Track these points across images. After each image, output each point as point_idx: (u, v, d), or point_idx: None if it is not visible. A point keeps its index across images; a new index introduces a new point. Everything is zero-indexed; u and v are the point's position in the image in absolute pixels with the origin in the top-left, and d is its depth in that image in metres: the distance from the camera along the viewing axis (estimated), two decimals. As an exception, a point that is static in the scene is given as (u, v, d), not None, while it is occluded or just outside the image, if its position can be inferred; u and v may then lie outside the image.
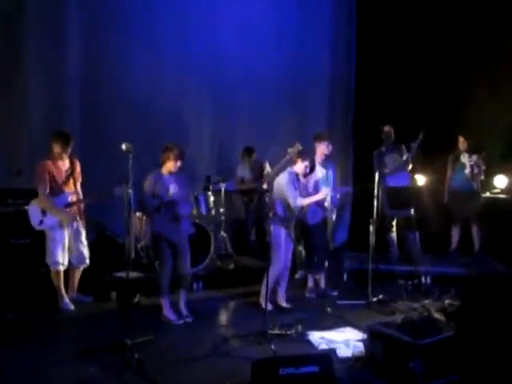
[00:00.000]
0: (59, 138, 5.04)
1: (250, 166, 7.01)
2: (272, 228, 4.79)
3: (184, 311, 4.89)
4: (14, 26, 6.20)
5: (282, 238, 5.00)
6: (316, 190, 5.34)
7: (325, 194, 5.09)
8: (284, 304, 5.22)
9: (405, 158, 6.57)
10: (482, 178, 6.94)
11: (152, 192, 4.68)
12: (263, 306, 4.65)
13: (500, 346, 1.50)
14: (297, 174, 5.05)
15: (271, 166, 6.59)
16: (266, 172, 6.80)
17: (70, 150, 5.10)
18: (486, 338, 1.53)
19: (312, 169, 5.13)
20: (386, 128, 6.84)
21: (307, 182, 5.29)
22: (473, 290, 1.64)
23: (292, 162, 5.09)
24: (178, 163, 4.74)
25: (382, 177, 6.53)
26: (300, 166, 5.02)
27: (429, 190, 6.67)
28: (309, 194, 5.20)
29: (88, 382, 3.62)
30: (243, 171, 7.05)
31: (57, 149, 5.05)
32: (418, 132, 6.42)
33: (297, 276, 6.41)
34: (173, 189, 4.69)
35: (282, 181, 5.01)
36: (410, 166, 6.69)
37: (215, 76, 7.39)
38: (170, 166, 4.72)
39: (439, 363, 3.50)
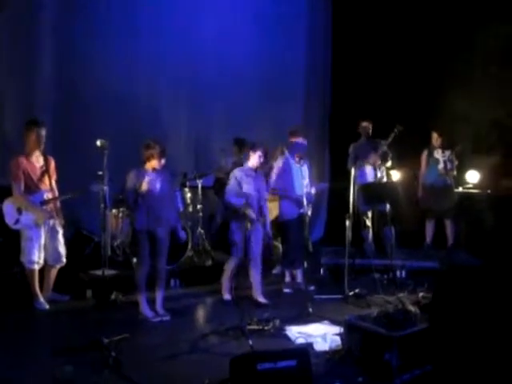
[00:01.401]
0: (32, 125, 4.93)
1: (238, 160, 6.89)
2: (230, 224, 5.10)
3: (161, 309, 4.86)
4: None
5: (236, 233, 5.12)
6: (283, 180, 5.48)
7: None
8: (260, 299, 5.24)
9: (381, 151, 6.66)
10: (455, 173, 7.08)
11: (134, 187, 4.64)
12: (224, 297, 5.24)
13: (471, 336, 1.54)
14: (251, 169, 5.15)
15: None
16: None
17: (43, 139, 4.98)
18: (458, 329, 1.57)
19: (266, 156, 5.21)
20: (364, 123, 6.93)
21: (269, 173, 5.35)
22: (443, 282, 1.68)
23: (246, 159, 5.20)
24: (162, 161, 4.72)
25: (359, 171, 6.62)
26: (254, 159, 5.12)
27: (403, 185, 6.77)
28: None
29: (64, 381, 3.57)
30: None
31: (32, 137, 4.91)
32: (392, 128, 6.52)
33: (275, 271, 6.44)
34: (152, 184, 4.64)
35: (230, 176, 5.18)
36: (389, 163, 6.79)
37: (191, 70, 7.35)
38: (154, 163, 4.70)
39: (414, 354, 3.56)
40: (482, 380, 1.61)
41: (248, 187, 5.11)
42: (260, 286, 5.27)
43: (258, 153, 5.11)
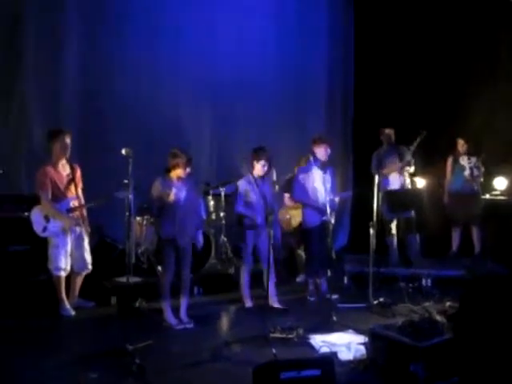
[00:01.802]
0: (57, 134, 5.02)
1: None
2: (242, 233, 5.24)
3: (185, 316, 4.88)
4: (15, 28, 6.22)
5: (247, 239, 5.24)
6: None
7: None
8: (276, 305, 5.25)
9: (406, 159, 6.57)
10: (482, 180, 6.96)
11: (160, 196, 4.68)
12: (246, 306, 5.34)
13: (498, 347, 1.50)
14: (257, 178, 5.23)
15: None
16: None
17: (69, 147, 5.06)
18: (485, 340, 1.53)
19: (269, 165, 5.25)
20: (387, 130, 6.85)
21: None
22: (471, 291, 1.63)
23: (252, 168, 5.24)
24: (187, 169, 4.78)
25: (383, 179, 6.56)
26: (258, 168, 5.17)
27: (428, 192, 6.68)
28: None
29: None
30: None
31: (57, 145, 5.01)
32: (416, 134, 6.44)
33: (298, 279, 6.41)
34: (177, 193, 4.68)
35: (237, 186, 5.29)
36: (412, 169, 6.69)
37: (214, 79, 7.39)
38: (180, 172, 4.75)
39: (441, 365, 3.49)
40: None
41: (253, 196, 5.20)
42: (275, 292, 5.29)
43: (261, 162, 5.18)
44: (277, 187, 5.90)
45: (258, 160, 5.20)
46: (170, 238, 4.75)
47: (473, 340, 1.61)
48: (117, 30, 6.80)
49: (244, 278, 5.41)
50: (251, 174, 5.29)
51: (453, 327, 2.73)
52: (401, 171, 6.60)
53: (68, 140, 5.05)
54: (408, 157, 6.58)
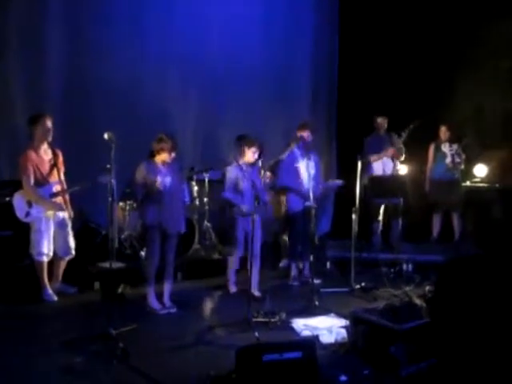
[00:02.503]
0: (38, 118, 4.96)
1: None
2: (231, 219, 5.18)
3: (168, 301, 4.90)
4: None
5: (237, 227, 5.19)
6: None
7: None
8: (256, 293, 5.21)
9: (397, 147, 6.66)
10: (463, 167, 7.06)
11: (144, 180, 4.68)
12: (230, 291, 5.34)
13: (473, 328, 1.54)
14: (246, 165, 5.18)
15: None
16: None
17: (51, 131, 5.00)
18: (460, 321, 1.57)
19: (261, 152, 5.26)
20: (379, 119, 6.90)
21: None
22: (445, 274, 1.67)
23: (242, 154, 5.20)
24: (172, 154, 4.76)
25: (367, 165, 6.64)
26: (249, 155, 5.14)
27: (411, 179, 6.76)
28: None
29: (74, 372, 3.62)
30: None
31: (39, 129, 4.95)
32: (409, 123, 6.51)
33: (281, 264, 6.47)
34: (162, 178, 4.68)
35: (226, 173, 5.22)
36: (403, 157, 6.78)
37: (200, 65, 7.33)
38: (165, 156, 4.74)
39: (420, 347, 3.57)
40: (485, 372, 1.61)
41: (243, 183, 5.14)
42: (257, 280, 5.28)
43: (253, 149, 5.15)
44: (262, 172, 5.94)
45: (250, 147, 5.16)
46: (154, 224, 4.74)
47: (448, 322, 1.64)
48: (103, 14, 6.68)
49: (233, 265, 5.41)
50: (240, 161, 5.21)
51: (429, 310, 2.79)
52: (394, 158, 6.70)
53: (49, 123, 4.99)
54: (399, 144, 6.66)
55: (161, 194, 4.68)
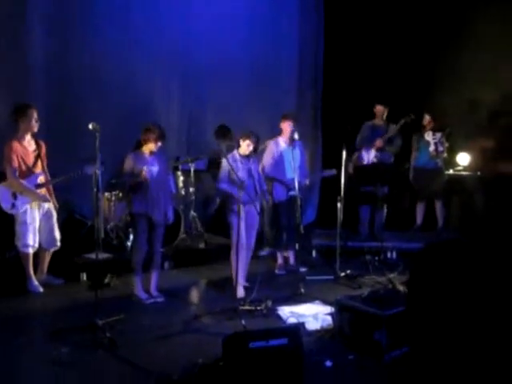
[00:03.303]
0: (24, 108, 4.91)
1: (226, 147, 6.89)
2: (226, 211, 5.09)
3: (155, 290, 4.93)
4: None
5: (232, 220, 5.04)
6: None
7: None
8: (244, 283, 5.18)
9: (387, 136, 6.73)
10: (446, 155, 7.14)
11: (131, 171, 4.68)
12: (238, 295, 4.84)
13: (448, 315, 1.57)
14: (240, 155, 5.13)
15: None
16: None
17: (37, 122, 4.96)
18: (434, 308, 1.60)
19: (257, 145, 5.24)
20: (379, 107, 6.92)
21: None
22: (420, 258, 1.70)
23: (237, 146, 5.18)
24: (159, 143, 4.77)
25: (358, 153, 6.70)
26: (243, 147, 5.12)
27: (395, 167, 6.84)
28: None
29: (60, 362, 3.63)
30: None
31: (25, 120, 4.90)
32: (403, 115, 6.56)
33: (262, 253, 6.51)
34: (149, 168, 4.68)
35: (222, 164, 5.14)
36: (394, 148, 6.85)
37: (184, 55, 7.28)
38: (151, 146, 4.75)
39: (401, 334, 3.65)
40: (460, 361, 1.65)
41: (239, 173, 4.99)
42: (246, 271, 5.23)
43: (247, 142, 5.10)
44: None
45: (244, 139, 5.10)
46: (142, 213, 4.75)
47: (422, 308, 1.67)
48: (90, 3, 6.59)
49: (235, 262, 4.92)
50: (235, 152, 5.18)
51: (406, 296, 2.84)
52: (380, 148, 6.76)
53: (35, 115, 4.95)
54: (390, 134, 6.73)
55: (147, 184, 4.69)
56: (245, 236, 4.99)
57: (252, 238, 5.24)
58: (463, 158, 7.25)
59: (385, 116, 6.95)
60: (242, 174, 5.01)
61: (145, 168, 4.64)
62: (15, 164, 4.88)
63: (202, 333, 4.17)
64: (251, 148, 5.15)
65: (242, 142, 5.14)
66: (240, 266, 4.90)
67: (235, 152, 5.17)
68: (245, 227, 4.98)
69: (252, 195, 5.05)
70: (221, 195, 5.36)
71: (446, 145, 7.09)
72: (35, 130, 4.99)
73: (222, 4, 7.56)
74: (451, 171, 7.24)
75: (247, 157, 5.17)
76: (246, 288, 5.10)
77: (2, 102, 6.09)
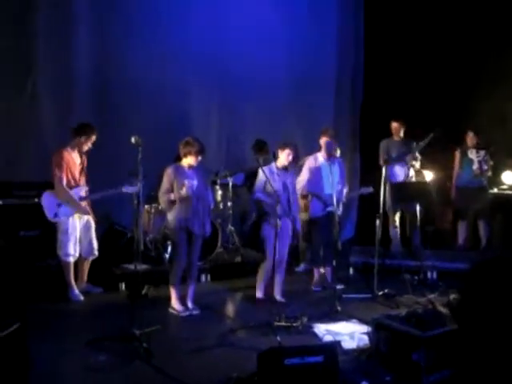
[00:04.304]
0: (91, 132, 5.13)
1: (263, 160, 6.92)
2: (261, 223, 5.07)
3: (191, 303, 4.96)
4: (26, 17, 6.23)
5: (267, 232, 5.05)
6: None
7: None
8: (278, 297, 5.20)
9: (412, 155, 6.61)
10: (490, 173, 6.95)
11: (171, 184, 4.74)
12: (257, 296, 5.15)
13: (499, 338, 1.50)
14: (277, 168, 5.14)
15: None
16: None
17: (89, 147, 5.17)
18: (486, 330, 1.54)
19: (296, 155, 5.26)
20: (394, 124, 6.86)
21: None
22: (472, 277, 1.65)
23: (276, 157, 5.19)
24: (199, 158, 4.82)
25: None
26: (283, 157, 5.11)
27: (436, 185, 6.69)
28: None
29: (98, 371, 3.69)
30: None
31: (82, 140, 5.10)
32: (430, 129, 6.44)
33: (298, 269, 6.47)
34: (190, 182, 4.73)
35: (258, 174, 5.15)
36: (418, 164, 6.72)
37: (222, 69, 7.37)
38: (191, 160, 4.80)
39: (443, 355, 3.54)
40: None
41: (275, 185, 4.98)
42: (281, 285, 5.25)
43: (287, 151, 5.10)
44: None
45: (283, 149, 5.12)
46: (182, 227, 4.79)
47: (474, 330, 1.61)
48: (126, 17, 6.79)
49: (264, 272, 5.14)
50: (273, 163, 5.21)
51: (455, 317, 2.74)
52: (407, 165, 6.64)
53: (94, 139, 5.16)
54: (415, 153, 6.60)
55: (188, 197, 4.74)
56: (279, 251, 4.94)
57: (284, 253, 5.21)
58: (508, 177, 7.03)
59: (401, 132, 6.82)
60: (277, 185, 5.00)
61: (186, 182, 4.70)
62: (63, 171, 5.02)
63: (237, 347, 4.15)
64: (291, 157, 5.15)
65: (280, 153, 5.14)
66: (276, 281, 4.97)
67: (272, 164, 5.18)
68: (279, 241, 4.90)
69: (286, 208, 5.04)
70: (256, 210, 5.34)
71: (491, 163, 6.90)
72: (84, 150, 5.17)
73: (261, 19, 7.64)
74: (495, 190, 7.03)
75: (285, 169, 5.17)
76: (282, 303, 5.07)
77: (49, 114, 6.33)
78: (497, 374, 1.53)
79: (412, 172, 6.73)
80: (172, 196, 4.74)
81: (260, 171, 5.12)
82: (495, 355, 1.52)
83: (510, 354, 1.50)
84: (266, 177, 4.93)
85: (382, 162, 6.61)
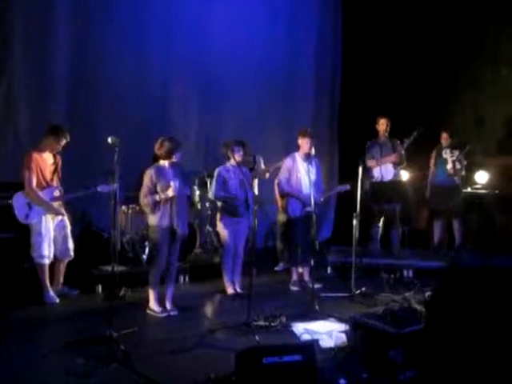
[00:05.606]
0: (61, 135, 5.04)
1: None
2: (219, 218, 5.50)
3: (170, 304, 4.93)
4: (2, 16, 6.10)
5: (224, 226, 5.46)
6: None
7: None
8: (238, 289, 5.50)
9: (399, 153, 6.68)
10: (464, 173, 7.07)
11: (154, 185, 4.71)
12: (228, 293, 5.46)
13: (470, 342, 1.53)
14: (234, 166, 5.36)
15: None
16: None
17: (60, 149, 5.11)
18: (456, 333, 1.56)
19: (244, 152, 5.47)
20: (382, 120, 6.89)
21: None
22: (445, 281, 1.67)
23: (229, 157, 5.40)
24: (177, 154, 4.82)
25: (367, 170, 6.65)
26: (236, 157, 5.28)
27: (412, 185, 6.79)
28: None
29: (75, 374, 3.64)
30: None
31: (50, 141, 5.03)
32: (412, 129, 6.52)
33: (276, 268, 6.50)
34: (175, 183, 4.71)
35: (215, 174, 5.43)
36: (404, 163, 6.81)
37: (202, 69, 7.37)
38: (170, 158, 4.80)
39: (418, 352, 3.59)
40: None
41: (232, 183, 5.35)
42: (240, 277, 5.56)
43: (236, 150, 5.32)
44: (267, 174, 6.00)
45: (233, 150, 5.31)
46: (167, 226, 4.76)
47: (442, 331, 1.63)
48: (106, 17, 6.72)
49: (226, 266, 5.54)
50: (227, 163, 5.43)
51: (426, 316, 2.77)
52: (394, 165, 6.71)
53: (64, 142, 5.08)
54: (401, 151, 6.67)
55: (173, 197, 4.72)
56: (236, 245, 5.48)
57: (242, 248, 5.58)
58: (481, 176, 7.18)
59: (387, 129, 6.86)
60: (234, 183, 5.31)
61: (171, 183, 4.67)
62: (33, 173, 4.96)
63: (216, 347, 4.14)
64: (241, 156, 5.35)
65: (235, 152, 5.30)
66: (235, 274, 5.54)
67: (227, 163, 5.36)
68: (233, 236, 5.41)
69: (243, 205, 5.35)
70: (217, 208, 5.63)
71: (465, 163, 7.02)
72: (55, 152, 5.11)
73: (241, 19, 7.66)
74: (469, 189, 7.16)
75: (238, 166, 5.26)
76: (239, 295, 5.35)
77: (24, 113, 6.23)
78: (460, 375, 1.54)
79: (401, 171, 6.81)
80: (157, 197, 4.71)
81: (217, 171, 5.38)
82: (461, 355, 1.54)
83: (474, 353, 1.51)
84: (224, 176, 5.20)
85: (369, 163, 6.67)
